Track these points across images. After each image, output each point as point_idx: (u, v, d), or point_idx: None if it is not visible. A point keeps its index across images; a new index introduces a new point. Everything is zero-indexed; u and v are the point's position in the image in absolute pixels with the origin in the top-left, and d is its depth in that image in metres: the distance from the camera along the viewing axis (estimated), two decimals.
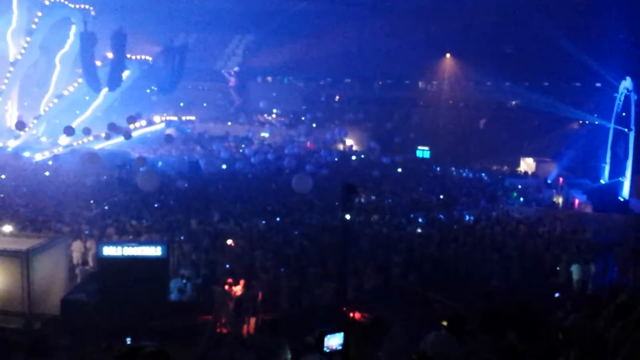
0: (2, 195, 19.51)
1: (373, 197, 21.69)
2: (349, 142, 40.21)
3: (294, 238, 14.24)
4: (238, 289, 10.87)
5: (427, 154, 37.14)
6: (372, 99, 41.34)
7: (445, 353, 5.28)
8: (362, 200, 20.36)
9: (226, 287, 10.87)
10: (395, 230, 16.07)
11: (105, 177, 23.76)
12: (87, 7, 33.89)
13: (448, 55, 38.87)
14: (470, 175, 31.45)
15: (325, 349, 5.39)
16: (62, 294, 10.98)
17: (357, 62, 39.87)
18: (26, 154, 29.85)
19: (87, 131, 29.06)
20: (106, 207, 17.72)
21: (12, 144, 32.10)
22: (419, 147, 37.43)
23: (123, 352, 2.03)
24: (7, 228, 12.60)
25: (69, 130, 27.74)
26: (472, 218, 19.04)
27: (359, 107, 41.06)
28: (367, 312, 8.92)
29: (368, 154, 36.34)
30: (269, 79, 46.22)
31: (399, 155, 33.12)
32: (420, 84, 42.87)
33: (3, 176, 23.02)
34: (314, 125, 40.99)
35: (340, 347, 5.39)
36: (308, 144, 38.04)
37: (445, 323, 5.54)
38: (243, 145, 36.62)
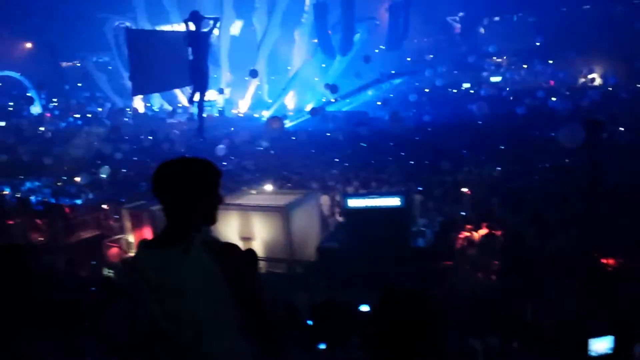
0: (262, 160, 22.47)
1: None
2: (594, 76, 35.78)
3: (533, 183, 13.54)
4: (476, 236, 10.88)
5: None
6: (621, 23, 35.69)
7: None
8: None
9: (464, 233, 10.97)
10: None
11: (342, 136, 25.46)
12: None
13: None
14: None
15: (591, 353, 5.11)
16: (317, 243, 12.37)
17: None
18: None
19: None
20: (346, 165, 19.07)
21: (265, 114, 36.52)
22: None
23: (386, 295, 2.12)
24: (269, 187, 14.55)
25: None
26: None
27: (603, 35, 35.84)
28: (622, 258, 8.15)
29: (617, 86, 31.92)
30: (497, 18, 43.44)
31: None
32: None
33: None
34: (551, 62, 37.41)
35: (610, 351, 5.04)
36: (552, 82, 35.10)
37: None
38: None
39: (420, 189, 14.06)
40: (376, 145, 21.85)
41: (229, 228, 12.32)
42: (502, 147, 18.89)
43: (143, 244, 2.20)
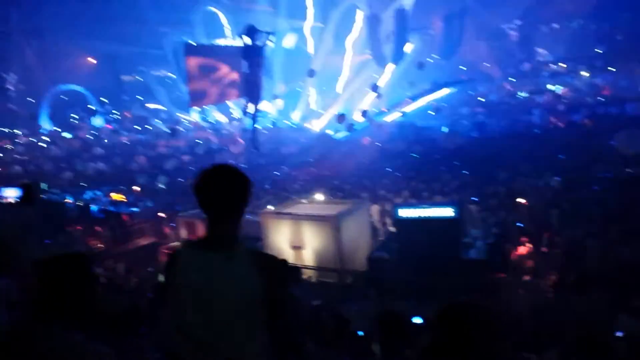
0: (313, 169, 22.62)
1: None
2: None
3: (594, 193, 13.00)
4: (533, 248, 10.53)
5: None
6: None
7: None
8: None
9: (521, 246, 10.64)
10: None
11: (393, 146, 25.28)
12: None
13: None
14: None
15: None
16: (367, 253, 12.29)
17: None
18: (329, 132, 33.81)
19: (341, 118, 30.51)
20: (398, 174, 18.90)
21: (317, 124, 36.80)
22: None
23: (447, 308, 2.12)
24: (320, 197, 14.62)
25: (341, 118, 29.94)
26: None
27: None
28: None
29: None
30: (556, 26, 42.19)
31: None
32: None
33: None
34: (612, 69, 35.93)
35: None
36: (612, 91, 33.73)
37: None
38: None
39: (475, 199, 13.76)
40: (428, 155, 21.60)
41: (280, 236, 12.43)
42: (561, 157, 18.25)
43: (188, 244, 2.25)
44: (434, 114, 33.88)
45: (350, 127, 27.82)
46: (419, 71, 34.23)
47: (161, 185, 20.68)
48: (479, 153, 20.72)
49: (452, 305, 2.11)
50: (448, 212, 10.87)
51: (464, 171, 17.57)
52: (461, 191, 14.81)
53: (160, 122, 39.75)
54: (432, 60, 40.83)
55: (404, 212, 11.16)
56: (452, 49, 37.91)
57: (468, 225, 12.52)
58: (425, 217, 10.88)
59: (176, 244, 14.87)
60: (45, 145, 33.61)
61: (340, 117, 29.03)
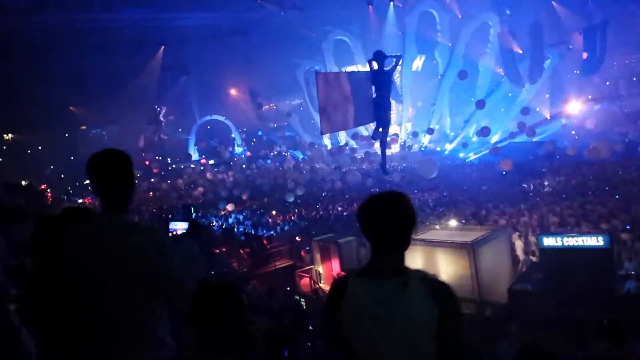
0: (445, 194, 22.05)
1: None
2: None
3: None
4: None
5: None
6: None
7: None
8: None
9: None
10: None
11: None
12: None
13: None
14: None
15: None
16: (508, 284, 11.64)
17: None
18: (461, 155, 32.97)
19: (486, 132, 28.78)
20: (538, 199, 17.80)
21: (448, 147, 36.07)
22: None
23: None
24: (453, 222, 14.22)
25: (485, 132, 28.62)
26: None
27: None
28: None
29: None
30: None
31: None
32: None
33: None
34: None
35: None
36: None
37: None
38: None
39: (628, 227, 12.55)
40: (572, 177, 20.15)
41: (413, 263, 12.19)
42: None
43: (355, 272, 2.24)
44: (574, 133, 31.66)
45: (496, 149, 26.61)
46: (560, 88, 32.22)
47: (290, 200, 21.59)
48: (628, 175, 18.94)
49: None
50: (599, 241, 10.04)
51: (616, 196, 16.10)
52: (614, 218, 13.57)
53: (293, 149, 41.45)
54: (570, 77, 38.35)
55: (549, 241, 10.48)
56: (595, 64, 35.23)
57: (623, 255, 11.45)
58: (572, 246, 10.14)
59: (311, 267, 15.30)
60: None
61: (485, 130, 27.70)
